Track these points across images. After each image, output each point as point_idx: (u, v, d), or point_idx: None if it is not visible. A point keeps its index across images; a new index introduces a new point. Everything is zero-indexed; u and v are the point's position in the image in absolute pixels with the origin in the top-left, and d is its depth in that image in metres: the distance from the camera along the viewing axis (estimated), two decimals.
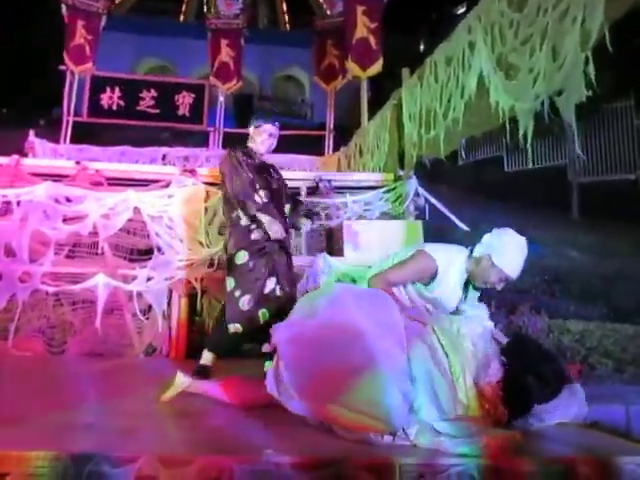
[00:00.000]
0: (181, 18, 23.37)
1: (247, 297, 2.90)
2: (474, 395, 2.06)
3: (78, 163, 4.15)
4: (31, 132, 6.77)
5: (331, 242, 4.31)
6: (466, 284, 2.68)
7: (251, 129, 3.28)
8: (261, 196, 3.05)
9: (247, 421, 2.17)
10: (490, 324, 2.34)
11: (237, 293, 2.92)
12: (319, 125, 11.39)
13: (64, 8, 8.15)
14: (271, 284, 2.95)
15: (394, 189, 4.42)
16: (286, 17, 25.59)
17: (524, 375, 2.07)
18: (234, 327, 2.92)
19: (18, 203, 3.81)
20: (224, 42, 8.76)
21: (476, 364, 2.10)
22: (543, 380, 2.08)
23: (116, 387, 2.84)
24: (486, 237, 2.64)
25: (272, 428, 2.00)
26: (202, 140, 9.51)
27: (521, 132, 2.37)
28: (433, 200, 4.50)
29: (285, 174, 4.00)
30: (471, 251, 2.65)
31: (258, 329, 2.85)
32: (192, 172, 4.27)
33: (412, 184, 4.37)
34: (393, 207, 4.39)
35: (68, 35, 8.14)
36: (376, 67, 6.62)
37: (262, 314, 2.90)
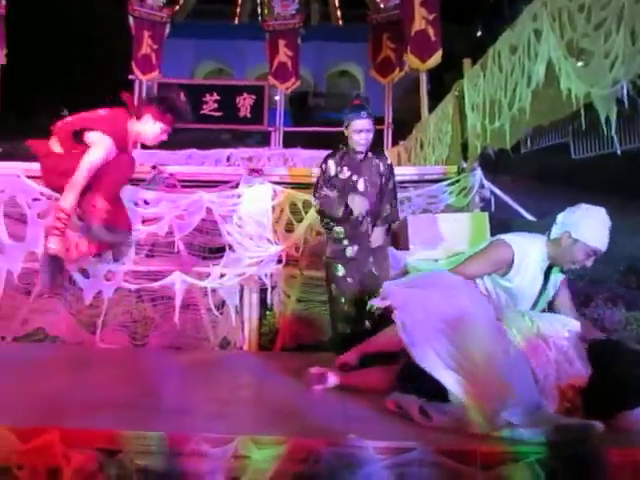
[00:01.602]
0: (235, 21, 23.90)
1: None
2: (555, 396, 2.05)
3: (154, 167, 4.39)
4: None
5: (396, 237, 4.34)
6: (547, 272, 2.63)
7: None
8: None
9: (329, 406, 2.28)
10: (576, 324, 2.29)
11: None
12: (375, 119, 11.34)
13: (131, 20, 8.60)
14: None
15: (458, 181, 4.39)
16: (338, 12, 25.57)
17: (614, 379, 2.02)
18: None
19: None
20: (282, 43, 8.93)
21: (557, 365, 2.08)
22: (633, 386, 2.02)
23: (199, 377, 3.05)
24: (560, 216, 2.59)
25: (352, 413, 2.10)
26: (261, 140, 9.76)
27: (602, 118, 2.30)
28: (498, 191, 4.44)
29: None
30: (548, 235, 2.61)
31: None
32: (259, 172, 4.42)
33: (476, 176, 4.32)
34: (457, 200, 4.37)
35: (136, 46, 8.58)
36: (435, 58, 6.56)
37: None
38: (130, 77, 8.77)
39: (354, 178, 3.35)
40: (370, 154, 3.43)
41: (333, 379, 2.63)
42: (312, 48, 14.72)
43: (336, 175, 3.37)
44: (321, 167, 3.44)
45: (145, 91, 8.68)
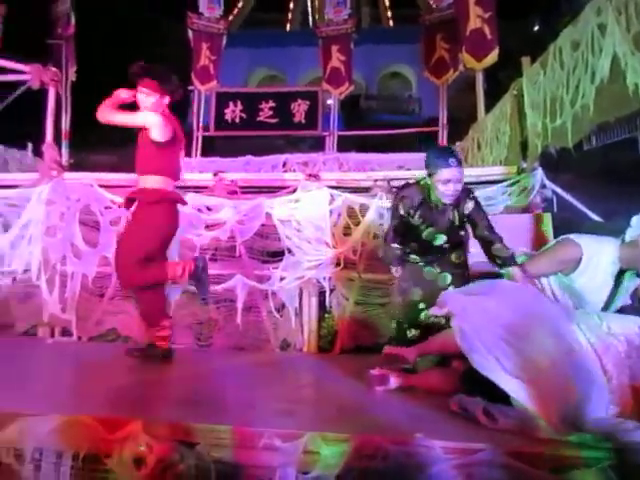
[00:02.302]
0: (287, 28, 24.25)
1: None
2: (628, 395, 2.00)
3: (216, 175, 4.57)
4: None
5: None
6: (619, 276, 2.56)
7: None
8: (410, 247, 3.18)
9: (392, 405, 2.32)
10: None
11: None
12: (427, 120, 11.26)
13: (190, 33, 8.95)
14: None
15: (518, 182, 4.31)
16: (389, 14, 25.43)
17: None
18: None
19: None
20: (334, 48, 9.02)
21: (630, 363, 2.03)
22: None
23: (264, 376, 3.17)
24: (635, 219, 2.51)
25: (416, 412, 2.13)
26: (314, 144, 9.87)
27: None
28: (561, 191, 4.33)
29: (401, 173, 4.11)
30: (622, 239, 2.53)
31: None
32: (316, 177, 4.51)
33: (537, 175, 4.23)
34: (517, 200, 4.28)
35: (195, 58, 8.92)
36: (492, 57, 6.44)
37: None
38: (189, 88, 9.13)
39: (422, 228, 3.07)
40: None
41: (394, 381, 2.66)
42: (363, 51, 14.71)
43: (406, 216, 3.08)
44: (394, 200, 3.19)
45: (203, 101, 9.01)
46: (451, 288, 3.00)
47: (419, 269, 3.17)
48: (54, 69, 5.37)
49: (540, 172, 4.19)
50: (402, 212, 3.10)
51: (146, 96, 3.29)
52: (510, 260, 2.82)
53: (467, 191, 3.03)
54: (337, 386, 2.81)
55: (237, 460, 1.75)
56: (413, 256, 3.20)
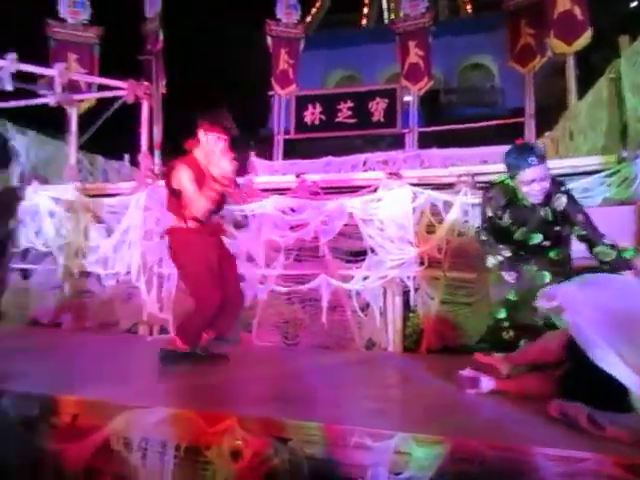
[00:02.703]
0: (362, 26, 24.19)
1: None
2: None
3: (298, 176, 4.65)
4: (252, 153, 7.79)
5: None
6: None
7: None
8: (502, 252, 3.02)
9: (486, 408, 2.25)
10: None
11: None
12: (512, 111, 10.76)
13: (269, 40, 9.19)
14: None
15: (618, 172, 4.00)
16: (467, 4, 24.61)
17: None
18: None
19: (253, 216, 4.46)
20: (412, 43, 8.88)
21: None
22: None
23: (351, 375, 3.19)
24: None
25: (512, 417, 2.04)
26: (393, 142, 9.76)
27: None
28: None
29: (485, 168, 3.94)
30: None
31: None
32: (397, 175, 4.45)
33: None
34: (617, 192, 3.97)
35: (274, 63, 9.16)
36: (583, 39, 6.04)
37: None
38: (270, 93, 9.38)
39: (513, 229, 2.95)
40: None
41: (487, 383, 2.57)
42: (442, 44, 14.37)
43: (495, 217, 2.97)
44: (481, 202, 3.10)
45: (283, 105, 9.21)
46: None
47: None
48: (146, 83, 5.72)
49: None
50: (490, 214, 2.99)
51: (223, 142, 3.39)
52: (617, 263, 2.58)
53: (558, 185, 2.82)
54: (426, 386, 2.77)
55: (329, 457, 1.77)
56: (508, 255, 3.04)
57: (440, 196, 4.14)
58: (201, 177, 3.27)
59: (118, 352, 3.84)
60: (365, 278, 4.11)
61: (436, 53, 9.76)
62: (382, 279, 4.09)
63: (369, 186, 4.42)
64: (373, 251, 4.15)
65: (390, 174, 4.49)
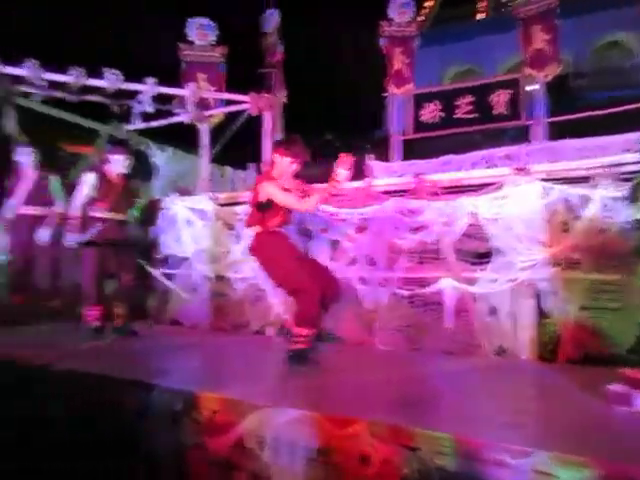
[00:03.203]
0: (476, 18, 23.19)
1: None
2: None
3: (416, 177, 4.55)
4: (369, 156, 7.80)
5: None
6: None
7: None
8: None
9: None
10: None
11: None
12: None
13: (382, 41, 9.16)
14: None
15: None
16: None
17: None
18: None
19: (373, 219, 4.46)
20: (537, 28, 8.29)
21: None
22: None
23: (480, 383, 3.05)
24: None
25: None
26: (517, 136, 9.17)
27: None
28: None
29: (630, 157, 3.54)
30: None
31: None
32: (524, 170, 4.18)
33: None
34: None
35: (388, 63, 9.10)
36: None
37: None
38: (384, 95, 9.34)
39: None
40: None
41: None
42: (570, 25, 13.26)
43: None
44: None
45: (399, 105, 9.11)
46: None
47: None
48: (267, 95, 6.00)
49: None
50: None
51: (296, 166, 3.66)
52: None
53: None
54: (567, 400, 2.54)
55: (461, 471, 1.70)
56: None
57: (575, 191, 3.80)
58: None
59: (249, 352, 4.05)
60: (492, 280, 3.91)
61: (564, 35, 9.03)
62: (511, 282, 3.86)
63: (493, 184, 4.20)
64: (500, 252, 3.94)
65: (517, 170, 4.23)
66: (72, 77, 5.17)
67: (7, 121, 5.57)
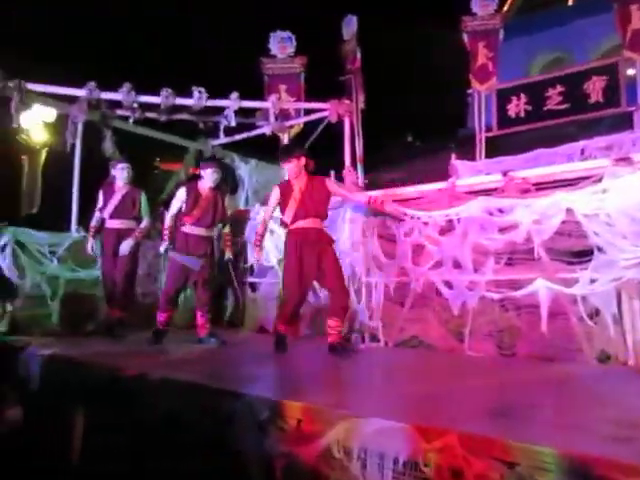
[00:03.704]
0: (564, 3, 21.86)
1: None
2: None
3: (505, 175, 4.34)
4: (452, 156, 7.56)
5: None
6: None
7: None
8: None
9: None
10: None
11: None
12: None
13: (465, 36, 8.86)
14: None
15: None
16: None
17: None
18: None
19: (458, 220, 4.29)
20: (634, 7, 7.63)
21: None
22: None
23: (581, 392, 2.82)
24: None
25: None
26: (616, 124, 8.47)
27: None
28: None
29: None
30: None
31: None
32: (627, 160, 3.84)
33: None
34: None
35: (472, 59, 8.78)
36: None
37: None
38: (469, 91, 9.01)
39: None
40: None
41: None
42: None
43: None
44: None
45: (483, 101, 8.76)
46: None
47: None
48: (347, 102, 6.00)
49: None
50: None
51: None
52: None
53: None
54: None
55: None
56: None
57: None
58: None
59: (333, 359, 4.00)
60: (592, 281, 3.62)
61: None
62: (615, 281, 3.55)
63: (590, 177, 3.90)
64: (601, 250, 3.64)
65: (617, 160, 3.90)
66: (162, 98, 5.48)
67: (106, 144, 5.99)
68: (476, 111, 8.79)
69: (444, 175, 6.65)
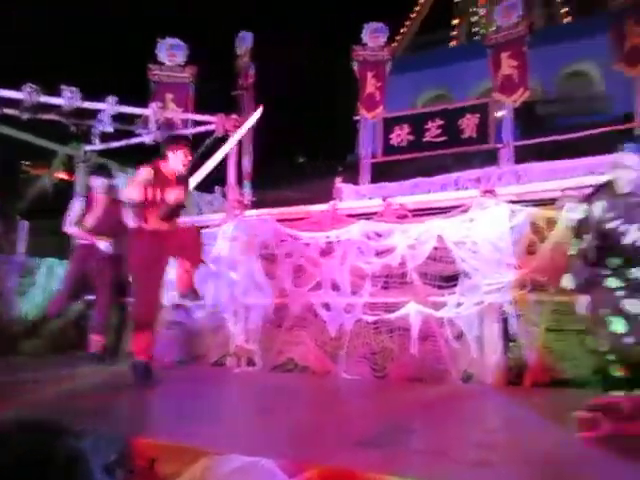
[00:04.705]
0: (451, 45, 23.81)
1: None
2: None
3: (385, 200, 4.47)
4: (337, 179, 7.74)
5: None
6: None
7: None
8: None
9: (608, 462, 1.88)
10: None
11: None
12: (619, 117, 9.86)
13: (355, 65, 9.21)
14: None
15: None
16: (565, 10, 23.42)
17: None
18: None
19: (338, 242, 4.33)
20: (505, 55, 8.44)
21: None
22: None
23: (446, 413, 2.90)
24: None
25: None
26: (487, 159, 9.26)
27: None
28: None
29: (593, 179, 3.53)
30: None
31: None
32: (492, 192, 4.13)
33: None
34: None
35: (361, 87, 9.14)
36: None
37: None
38: (355, 117, 9.35)
39: (621, 229, 2.60)
40: None
41: (608, 426, 2.19)
42: (538, 54, 13.60)
43: (600, 223, 2.65)
44: (584, 209, 2.75)
45: (370, 129, 9.13)
46: None
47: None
48: (234, 117, 5.87)
49: None
50: (596, 219, 2.66)
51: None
52: None
53: None
54: (535, 430, 2.42)
55: None
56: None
57: (542, 213, 3.76)
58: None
59: (204, 387, 3.76)
60: (459, 304, 3.81)
61: (533, 63, 9.24)
62: (478, 305, 3.77)
63: (461, 206, 4.14)
64: (467, 275, 3.85)
65: (484, 192, 4.19)
66: (25, 94, 4.96)
67: None
68: (362, 137, 9.12)
69: (331, 197, 6.76)
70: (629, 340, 2.52)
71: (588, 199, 2.75)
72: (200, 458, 1.93)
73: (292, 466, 1.80)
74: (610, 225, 2.62)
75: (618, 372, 2.58)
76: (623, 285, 2.58)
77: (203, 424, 2.56)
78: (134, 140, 6.07)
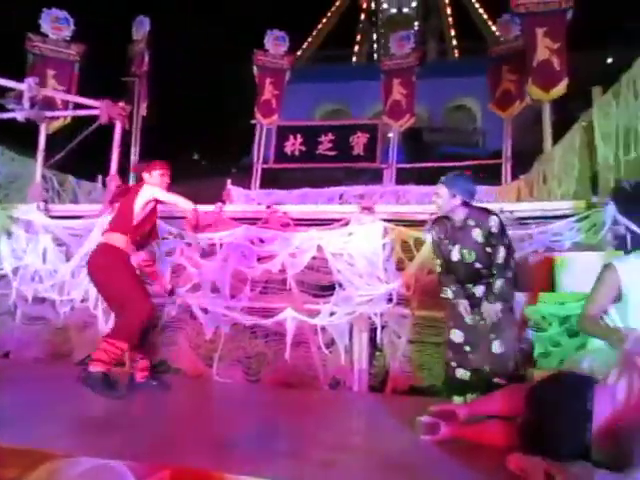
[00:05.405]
0: (353, 62, 24.71)
1: None
2: None
3: (269, 207, 4.55)
4: (228, 181, 7.70)
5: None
6: None
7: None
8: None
9: (443, 461, 2.11)
10: None
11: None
12: (492, 153, 10.98)
13: (255, 69, 9.24)
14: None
15: (587, 217, 3.99)
16: (455, 47, 25.41)
17: None
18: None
19: (221, 245, 4.32)
20: (396, 81, 9.01)
21: None
22: None
23: (309, 418, 3.02)
24: None
25: (470, 472, 1.90)
26: (374, 177, 9.79)
27: None
28: (636, 228, 3.97)
29: None
30: None
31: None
32: (370, 209, 4.39)
33: (609, 211, 3.89)
34: (587, 237, 3.96)
35: (259, 92, 9.19)
36: (560, 88, 6.18)
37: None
38: (252, 122, 9.38)
39: (449, 248, 3.16)
40: (471, 220, 3.10)
41: (446, 430, 2.46)
42: (428, 85, 14.66)
43: (439, 244, 3.24)
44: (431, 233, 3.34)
45: (265, 134, 9.20)
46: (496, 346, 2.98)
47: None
48: (122, 104, 5.61)
49: (612, 207, 3.86)
50: (435, 240, 3.27)
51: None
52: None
53: (487, 223, 3.04)
54: (385, 433, 2.65)
55: None
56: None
57: (411, 233, 4.07)
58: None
59: (61, 387, 3.50)
60: (332, 313, 3.99)
61: (422, 93, 9.92)
62: (349, 315, 3.97)
63: (341, 219, 4.34)
64: (341, 286, 4.04)
65: (363, 208, 4.43)
66: None
67: None
68: (257, 142, 9.17)
69: (221, 198, 6.71)
70: (467, 349, 3.06)
71: (431, 224, 3.30)
72: (45, 461, 1.85)
73: (143, 468, 1.79)
74: (442, 246, 3.18)
75: (460, 374, 3.06)
76: (463, 300, 3.07)
77: (49, 426, 2.42)
78: (5, 115, 5.53)
